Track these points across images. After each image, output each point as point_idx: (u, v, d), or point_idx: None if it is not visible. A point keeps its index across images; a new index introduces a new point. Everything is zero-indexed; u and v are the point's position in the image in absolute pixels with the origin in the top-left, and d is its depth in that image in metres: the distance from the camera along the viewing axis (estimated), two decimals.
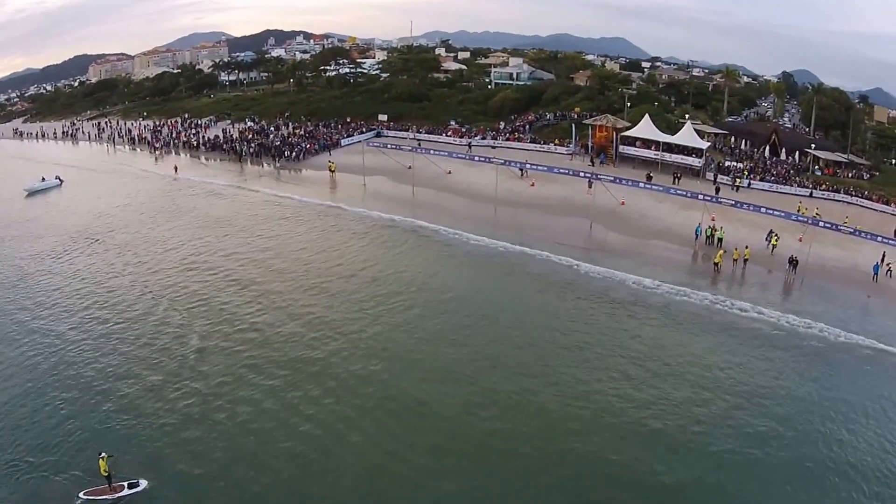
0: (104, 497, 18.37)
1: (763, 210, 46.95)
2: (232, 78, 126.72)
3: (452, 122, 75.32)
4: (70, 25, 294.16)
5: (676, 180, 53.43)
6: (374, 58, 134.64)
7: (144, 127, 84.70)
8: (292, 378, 24.42)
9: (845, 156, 64.10)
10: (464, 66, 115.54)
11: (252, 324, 28.94)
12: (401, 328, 28.58)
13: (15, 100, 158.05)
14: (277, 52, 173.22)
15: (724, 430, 21.91)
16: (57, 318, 29.82)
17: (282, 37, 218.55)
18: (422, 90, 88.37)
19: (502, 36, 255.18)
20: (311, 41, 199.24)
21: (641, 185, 52.46)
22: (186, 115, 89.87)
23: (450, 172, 56.24)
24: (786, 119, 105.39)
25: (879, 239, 42.30)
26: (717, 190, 51.16)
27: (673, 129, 60.54)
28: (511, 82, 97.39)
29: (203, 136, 76.31)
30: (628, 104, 70.15)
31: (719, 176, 54.75)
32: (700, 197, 48.12)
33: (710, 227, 40.70)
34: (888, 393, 25.04)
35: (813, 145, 62.91)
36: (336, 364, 25.45)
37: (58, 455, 20.13)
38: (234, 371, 24.93)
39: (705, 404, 23.36)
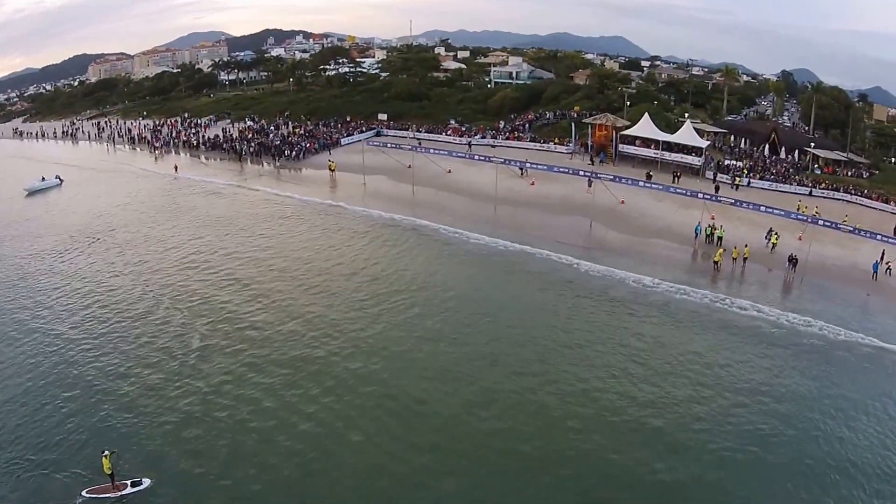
0: (107, 495, 18.39)
1: (763, 209, 46.99)
2: (231, 77, 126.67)
3: (452, 122, 75.34)
4: (69, 25, 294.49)
5: (676, 179, 53.45)
6: (373, 57, 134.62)
7: (144, 126, 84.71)
8: (293, 377, 24.45)
9: (845, 154, 64.10)
10: (463, 66, 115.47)
11: (253, 322, 28.98)
12: (401, 327, 28.61)
13: (14, 99, 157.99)
14: (277, 51, 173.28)
15: (724, 428, 21.93)
16: (57, 318, 29.86)
17: (281, 36, 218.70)
18: (421, 89, 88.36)
19: (502, 35, 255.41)
20: (311, 40, 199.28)
21: (641, 183, 52.48)
22: (186, 115, 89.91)
23: (450, 171, 56.28)
24: (785, 118, 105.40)
25: (879, 237, 42.33)
26: (717, 188, 51.19)
27: (672, 127, 60.60)
28: (511, 81, 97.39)
29: (203, 136, 76.34)
30: (628, 103, 70.15)
31: (719, 175, 54.79)
32: (700, 196, 48.14)
33: (709, 225, 40.74)
34: (888, 390, 25.08)
35: (812, 144, 62.92)
36: (336, 363, 25.48)
37: (60, 454, 20.17)
38: (235, 370, 24.97)
39: (705, 402, 23.41)
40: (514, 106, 79.60)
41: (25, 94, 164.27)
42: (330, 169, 57.61)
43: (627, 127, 59.54)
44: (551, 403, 23.10)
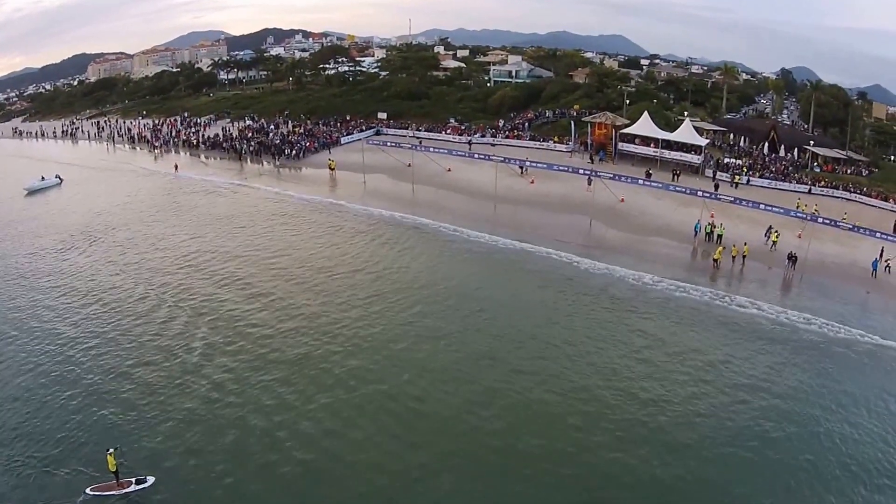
0: (111, 493, 18.42)
1: (762, 206, 47.04)
2: (231, 76, 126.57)
3: (452, 120, 75.38)
4: (68, 25, 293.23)
5: (675, 177, 53.51)
6: (372, 56, 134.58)
7: (144, 126, 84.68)
8: (293, 376, 24.46)
9: (844, 152, 64.18)
10: (463, 64, 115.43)
11: (254, 321, 29.02)
12: (401, 326, 28.62)
13: (14, 99, 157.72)
14: (276, 50, 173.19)
15: (725, 425, 22.03)
16: (58, 317, 29.90)
17: (280, 35, 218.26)
18: (421, 88, 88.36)
19: (501, 34, 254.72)
20: (310, 39, 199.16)
21: (640, 182, 52.58)
22: (186, 114, 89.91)
23: (449, 170, 56.35)
24: (784, 116, 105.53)
25: (878, 235, 42.41)
26: (716, 187, 51.25)
27: (672, 126, 60.74)
28: (510, 80, 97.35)
29: (202, 135, 76.36)
30: (627, 101, 70.24)
31: (718, 173, 54.90)
32: (699, 194, 48.17)
33: (709, 223, 40.80)
34: (888, 387, 25.17)
35: (812, 142, 62.98)
36: (337, 362, 25.50)
37: (63, 452, 20.22)
38: (236, 368, 25.01)
39: (706, 399, 23.47)
40: (514, 104, 79.64)
41: (25, 94, 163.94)
42: (330, 168, 57.64)
43: (627, 125, 59.62)
44: (552, 402, 23.14)
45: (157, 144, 74.55)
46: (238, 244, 39.27)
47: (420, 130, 71.19)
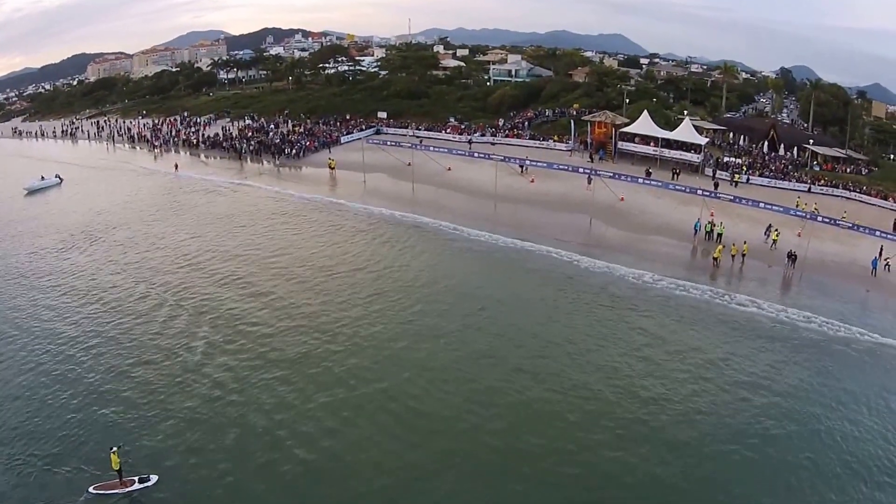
0: (114, 491, 18.44)
1: (762, 205, 47.06)
2: (231, 76, 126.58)
3: (452, 119, 75.40)
4: (68, 25, 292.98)
5: (675, 176, 53.54)
6: (372, 55, 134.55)
7: (144, 125, 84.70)
8: (295, 376, 24.44)
9: (843, 151, 64.26)
10: (462, 64, 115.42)
11: (255, 321, 29.03)
12: (402, 325, 28.62)
13: (14, 99, 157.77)
14: (276, 50, 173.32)
15: (725, 422, 22.07)
16: (59, 316, 29.93)
17: (280, 35, 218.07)
18: (421, 87, 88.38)
19: (500, 33, 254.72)
20: (310, 39, 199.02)
21: (640, 180, 52.62)
22: (186, 114, 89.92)
23: (449, 169, 56.39)
24: (784, 115, 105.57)
25: (878, 233, 42.43)
26: (716, 185, 51.28)
27: (671, 125, 60.82)
28: (510, 79, 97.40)
29: (202, 134, 76.38)
30: (627, 100, 70.30)
31: (718, 171, 54.95)
32: (699, 192, 48.19)
33: (709, 222, 40.83)
34: (888, 384, 25.23)
35: (811, 141, 63.02)
36: (338, 362, 25.47)
37: (66, 451, 20.24)
38: (237, 368, 25.02)
39: (707, 397, 23.50)
40: (514, 104, 79.68)
41: (24, 94, 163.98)
42: (330, 167, 57.65)
43: (626, 124, 59.64)
44: (552, 401, 23.13)
45: (156, 144, 74.59)
46: (238, 243, 39.31)
47: (420, 129, 71.21)
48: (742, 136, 68.67)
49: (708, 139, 61.54)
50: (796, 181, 53.99)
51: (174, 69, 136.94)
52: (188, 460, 19.83)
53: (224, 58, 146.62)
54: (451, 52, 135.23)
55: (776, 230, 40.13)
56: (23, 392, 23.59)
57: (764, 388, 24.27)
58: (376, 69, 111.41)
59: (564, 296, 32.28)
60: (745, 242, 37.64)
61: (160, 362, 25.48)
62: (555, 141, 64.57)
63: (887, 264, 37.17)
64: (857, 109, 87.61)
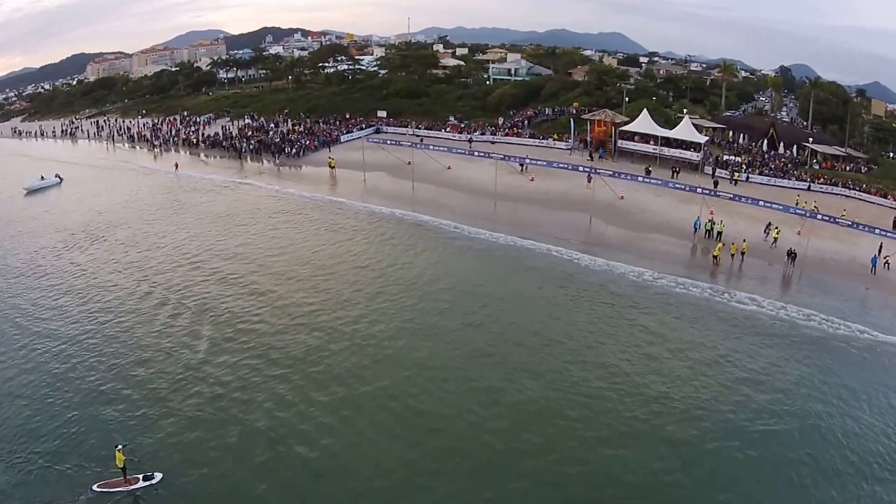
0: (118, 489, 18.46)
1: (761, 203, 47.11)
2: (230, 75, 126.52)
3: (451, 118, 75.41)
4: (67, 24, 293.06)
5: (675, 174, 53.63)
6: (371, 54, 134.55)
7: (143, 125, 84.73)
8: (297, 376, 24.43)
9: (843, 149, 64.29)
10: (462, 62, 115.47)
11: (257, 320, 29.05)
12: (402, 325, 28.57)
13: (13, 99, 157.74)
14: (275, 49, 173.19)
15: (727, 420, 22.11)
16: (60, 316, 29.95)
17: (279, 34, 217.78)
18: (420, 86, 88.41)
19: (500, 32, 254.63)
20: (309, 38, 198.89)
21: (640, 179, 52.67)
22: (185, 113, 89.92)
23: (449, 168, 56.43)
24: (784, 113, 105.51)
25: (877, 231, 42.48)
26: (716, 184, 51.32)
27: (671, 123, 60.86)
28: (509, 78, 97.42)
29: (202, 134, 76.39)
30: (626, 99, 70.32)
31: (717, 170, 55.01)
32: (698, 191, 48.25)
33: (709, 220, 40.87)
34: (889, 381, 25.32)
35: (811, 139, 63.13)
36: (339, 362, 25.45)
37: (70, 450, 20.26)
38: (240, 368, 24.99)
39: (708, 396, 23.53)
40: (513, 102, 79.72)
41: (24, 94, 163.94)
42: (330, 166, 57.64)
43: (626, 123, 59.67)
44: (553, 399, 23.10)
45: (156, 143, 74.63)
46: (239, 242, 39.35)
47: (420, 128, 71.25)
48: (741, 135, 68.67)
49: (707, 137, 61.54)
50: (796, 179, 54.07)
51: (174, 69, 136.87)
52: (191, 458, 19.87)
53: (223, 57, 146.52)
54: (450, 51, 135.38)
55: (776, 228, 40.19)
56: (25, 391, 23.63)
57: (764, 386, 24.32)
58: (376, 68, 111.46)
59: (565, 293, 32.32)
60: (744, 241, 37.69)
61: (162, 361, 25.52)
62: (554, 139, 64.62)
63: (886, 262, 37.24)
64: (856, 108, 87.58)
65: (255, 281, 33.35)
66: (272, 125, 76.95)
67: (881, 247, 38.58)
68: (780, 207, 46.11)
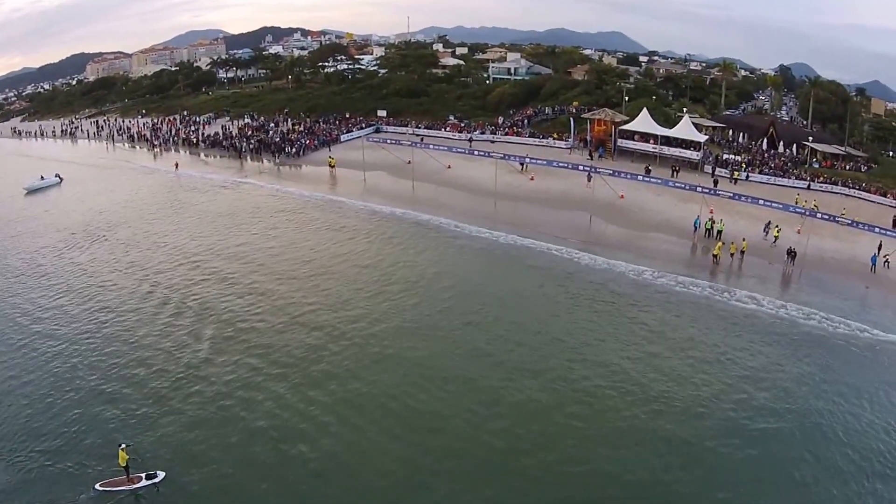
0: (121, 488, 18.46)
1: (761, 202, 47.19)
2: (230, 75, 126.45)
3: (451, 118, 75.44)
4: (67, 24, 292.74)
5: (675, 173, 53.69)
6: (371, 54, 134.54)
7: (143, 124, 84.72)
8: (298, 376, 24.39)
9: (843, 148, 64.34)
10: (462, 62, 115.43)
11: (258, 320, 29.05)
12: (403, 325, 28.53)
13: (12, 99, 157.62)
14: (275, 49, 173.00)
15: (728, 418, 22.14)
16: (61, 317, 29.92)
17: (279, 34, 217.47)
18: (420, 86, 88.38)
19: (499, 31, 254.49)
20: (309, 38, 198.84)
21: (640, 178, 52.73)
22: (185, 113, 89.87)
23: (449, 167, 56.46)
24: (783, 112, 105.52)
25: (877, 230, 42.55)
26: (716, 183, 51.39)
27: (671, 122, 60.91)
28: (509, 77, 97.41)
29: (202, 133, 76.40)
30: (626, 98, 70.32)
31: (717, 169, 55.04)
32: (698, 190, 48.36)
33: (709, 219, 40.91)
34: (890, 379, 25.39)
35: (810, 138, 63.19)
36: (340, 362, 25.42)
37: (72, 449, 20.26)
38: (242, 368, 24.95)
39: (709, 394, 23.56)
40: (513, 102, 79.73)
41: (23, 94, 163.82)
42: (330, 165, 57.63)
43: (626, 122, 59.72)
44: (553, 399, 23.07)
45: (156, 143, 74.63)
46: (240, 241, 39.38)
47: (420, 128, 71.28)
48: (741, 134, 68.71)
49: (707, 136, 61.59)
50: (796, 178, 54.13)
51: (173, 68, 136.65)
52: (193, 457, 19.89)
53: (223, 57, 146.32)
54: (450, 50, 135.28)
55: (777, 227, 40.24)
56: (27, 390, 23.65)
57: (765, 384, 24.35)
58: (375, 68, 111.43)
59: (565, 292, 32.35)
60: (743, 240, 37.72)
61: (164, 360, 25.54)
62: (554, 139, 64.69)
63: (886, 261, 37.29)
64: (856, 106, 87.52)
65: (256, 280, 33.38)
66: (272, 125, 76.96)
67: (881, 245, 38.63)
68: (780, 206, 46.19)
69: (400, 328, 28.23)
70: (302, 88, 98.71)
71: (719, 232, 39.58)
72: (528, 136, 66.67)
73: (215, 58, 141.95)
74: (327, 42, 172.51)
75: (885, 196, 50.02)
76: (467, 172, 54.80)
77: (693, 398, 23.25)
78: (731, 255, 37.22)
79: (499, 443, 20.81)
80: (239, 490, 18.72)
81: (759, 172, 55.33)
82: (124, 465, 18.51)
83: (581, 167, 55.06)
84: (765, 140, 65.46)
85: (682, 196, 48.48)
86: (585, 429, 21.53)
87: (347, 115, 78.56)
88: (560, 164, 56.88)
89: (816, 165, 59.05)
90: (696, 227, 41.10)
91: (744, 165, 56.29)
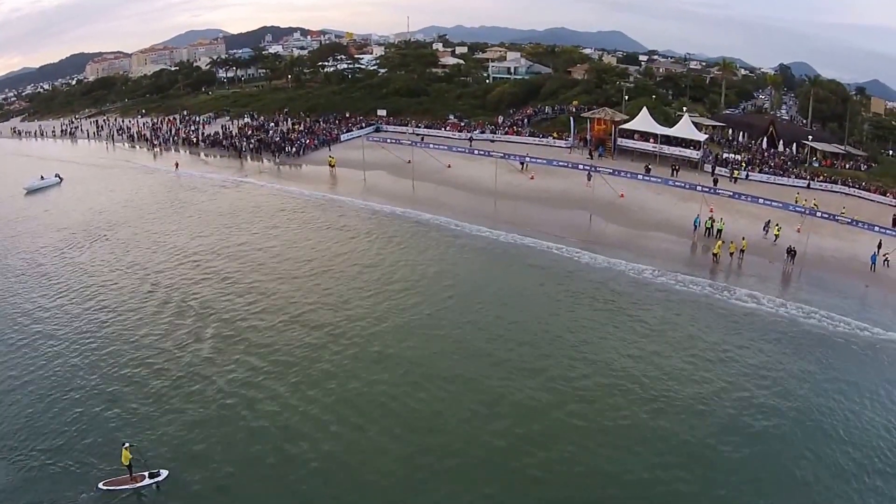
0: (124, 487, 18.46)
1: (761, 201, 47.25)
2: (230, 75, 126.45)
3: (451, 117, 75.47)
4: (66, 25, 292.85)
5: (675, 172, 53.72)
6: (371, 53, 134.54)
7: (143, 124, 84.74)
8: (300, 377, 24.35)
9: (842, 147, 64.39)
10: (461, 61, 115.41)
11: (260, 321, 29.01)
12: (404, 325, 28.48)
13: (12, 99, 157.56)
14: (274, 48, 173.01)
15: (729, 416, 22.14)
16: (62, 317, 29.89)
17: (278, 33, 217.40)
18: (420, 85, 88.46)
19: (499, 30, 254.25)
20: (308, 37, 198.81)
21: (640, 177, 52.77)
22: (185, 112, 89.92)
23: (449, 166, 56.47)
24: (783, 111, 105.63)
25: (877, 228, 42.61)
26: (716, 182, 51.45)
27: (671, 121, 60.94)
28: (509, 76, 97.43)
29: (202, 133, 76.41)
30: (626, 97, 70.35)
31: (717, 168, 55.06)
32: (698, 189, 48.41)
33: (709, 218, 40.94)
34: (890, 377, 25.42)
35: (810, 137, 63.23)
36: (341, 362, 25.40)
37: (75, 448, 20.25)
38: (243, 367, 24.95)
39: (709, 393, 23.56)
40: (513, 101, 79.83)
41: (23, 94, 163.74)
42: (330, 165, 57.64)
43: (626, 121, 59.76)
44: (554, 399, 23.02)
45: (156, 143, 74.68)
46: (241, 241, 39.39)
47: (420, 127, 71.31)
48: (741, 133, 68.80)
49: (707, 136, 61.64)
50: (795, 177, 54.17)
51: (173, 68, 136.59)
52: (196, 455, 19.91)
53: (223, 56, 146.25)
54: (450, 49, 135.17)
55: (777, 225, 40.27)
56: (30, 389, 23.66)
57: (765, 382, 24.37)
58: (375, 67, 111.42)
59: (565, 291, 32.36)
60: (743, 238, 37.71)
61: (166, 360, 25.53)
62: (554, 138, 64.75)
63: (886, 259, 37.32)
64: (855, 105, 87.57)
65: (256, 279, 33.39)
66: (272, 124, 77.01)
67: (880, 244, 38.66)
68: (780, 205, 46.24)
69: (400, 327, 28.23)
70: (302, 88, 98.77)
71: (719, 231, 39.62)
72: (528, 136, 66.76)
73: (215, 57, 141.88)
74: (327, 41, 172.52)
75: (884, 195, 50.08)
76: (467, 172, 54.83)
77: (693, 396, 23.27)
78: (731, 253, 37.24)
79: (499, 442, 20.79)
80: (240, 489, 18.73)
81: (759, 171, 55.38)
82: (127, 463, 18.51)
83: (581, 166, 55.14)
84: (765, 139, 65.53)
85: (681, 195, 48.52)
86: (586, 428, 21.52)
87: (347, 115, 78.62)
88: (560, 164, 56.93)
89: (816, 164, 59.12)
90: (695, 226, 41.12)
91: (744, 164, 56.35)
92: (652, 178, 52.48)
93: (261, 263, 35.68)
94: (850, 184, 52.68)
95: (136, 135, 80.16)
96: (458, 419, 21.97)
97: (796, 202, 46.86)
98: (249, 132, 73.26)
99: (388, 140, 65.30)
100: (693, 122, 59.19)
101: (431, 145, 62.78)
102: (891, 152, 68.78)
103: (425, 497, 18.67)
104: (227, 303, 30.69)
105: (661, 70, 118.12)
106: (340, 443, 20.71)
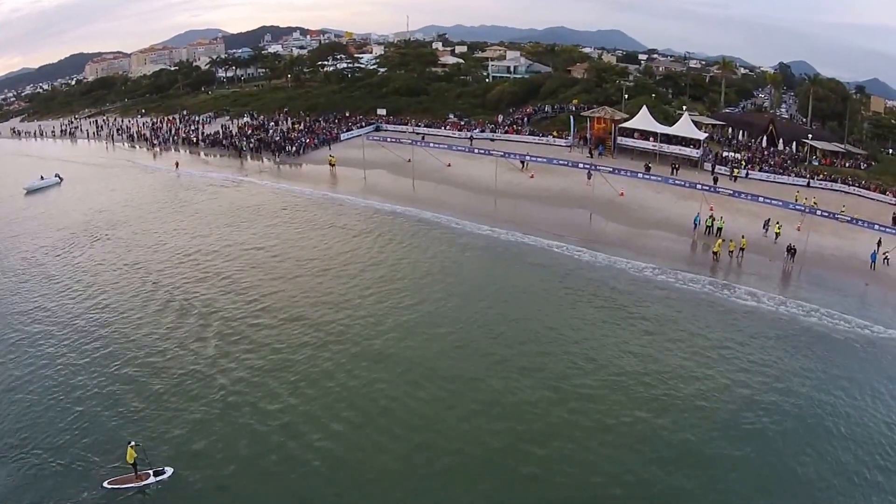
0: (129, 485, 18.47)
1: (761, 199, 47.28)
2: (229, 74, 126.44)
3: (451, 116, 75.49)
4: (66, 25, 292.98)
5: (675, 171, 53.74)
6: (370, 53, 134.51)
7: (143, 124, 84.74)
8: (301, 377, 24.35)
9: (842, 146, 64.43)
10: (461, 60, 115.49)
11: (261, 321, 29.00)
12: (406, 325, 28.46)
13: (11, 99, 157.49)
14: (274, 48, 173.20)
15: (729, 414, 22.17)
16: (64, 317, 29.90)
17: (278, 33, 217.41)
18: (420, 84, 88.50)
19: (499, 30, 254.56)
20: (308, 37, 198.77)
21: (640, 175, 52.78)
22: (185, 112, 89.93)
23: (449, 165, 56.47)
24: (783, 110, 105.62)
25: (876, 227, 42.61)
26: (716, 180, 51.46)
27: (670, 120, 60.92)
28: (509, 75, 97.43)
29: (202, 132, 76.41)
30: (626, 96, 70.35)
31: (717, 166, 55.07)
32: (698, 187, 48.45)
33: (709, 216, 40.96)
34: (891, 374, 25.46)
35: (810, 135, 63.19)
36: (342, 362, 25.37)
37: (79, 447, 20.27)
38: (246, 367, 24.96)
39: (709, 392, 23.59)
40: (513, 100, 79.85)
41: (22, 94, 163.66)
42: (330, 164, 57.66)
43: (626, 120, 59.81)
44: (555, 398, 23.01)
45: (156, 142, 74.69)
46: (242, 240, 39.41)
47: (420, 126, 71.33)
48: (741, 131, 68.81)
49: (707, 134, 61.61)
50: (795, 176, 54.16)
51: (172, 68, 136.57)
52: (200, 454, 19.95)
53: (222, 56, 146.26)
54: (449, 49, 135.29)
55: (778, 224, 40.27)
56: (33, 388, 23.69)
57: (766, 379, 24.40)
58: (375, 66, 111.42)
59: (566, 289, 32.39)
60: (743, 237, 37.71)
61: (166, 359, 25.55)
62: (554, 137, 64.79)
63: (886, 258, 37.33)
64: (855, 104, 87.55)
65: (257, 279, 33.40)
66: (272, 123, 77.01)
67: (880, 242, 38.66)
68: (780, 203, 46.28)
69: (401, 326, 28.24)
70: (301, 87, 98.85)
71: (719, 229, 39.65)
72: (528, 134, 66.80)
73: (214, 57, 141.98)
74: (326, 41, 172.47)
75: (884, 193, 50.06)
76: (467, 170, 54.85)
77: (694, 394, 23.29)
78: (731, 252, 37.26)
79: (499, 441, 20.80)
80: (241, 487, 18.74)
81: (759, 170, 55.37)
82: (132, 462, 18.52)
83: (581, 165, 55.19)
84: (764, 138, 65.54)
85: (681, 193, 48.54)
86: (586, 426, 21.52)
87: (347, 114, 78.66)
88: (560, 162, 56.95)
89: (816, 163, 59.11)
90: (695, 225, 41.13)
91: (743, 163, 56.36)
92: (652, 177, 52.50)
93: (261, 262, 35.70)
94: (850, 182, 52.67)
95: (135, 135, 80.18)
96: (458, 418, 21.96)
97: (796, 200, 46.89)
98: (249, 131, 73.27)
99: (388, 139, 65.33)
100: (693, 121, 59.21)
101: (431, 144, 62.81)
102: (890, 151, 68.79)
103: (425, 496, 18.70)
104: (228, 302, 30.71)
105: (660, 69, 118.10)
106: (341, 441, 20.73)
